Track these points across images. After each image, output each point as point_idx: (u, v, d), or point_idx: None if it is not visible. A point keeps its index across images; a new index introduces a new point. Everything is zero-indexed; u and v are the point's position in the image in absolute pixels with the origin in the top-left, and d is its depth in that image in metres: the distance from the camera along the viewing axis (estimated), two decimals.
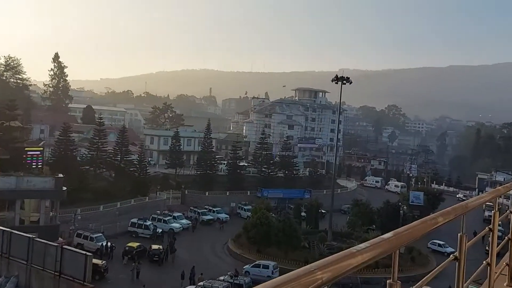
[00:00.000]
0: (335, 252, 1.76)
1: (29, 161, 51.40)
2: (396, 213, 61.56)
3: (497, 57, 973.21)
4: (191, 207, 67.50)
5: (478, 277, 3.55)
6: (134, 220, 56.17)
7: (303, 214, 63.31)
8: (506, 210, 5.26)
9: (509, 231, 4.52)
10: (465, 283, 3.01)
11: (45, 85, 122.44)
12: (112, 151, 69.97)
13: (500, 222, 4.17)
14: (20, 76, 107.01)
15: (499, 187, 4.68)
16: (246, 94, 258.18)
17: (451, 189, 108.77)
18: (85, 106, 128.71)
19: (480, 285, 3.81)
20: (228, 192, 75.17)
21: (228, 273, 41.45)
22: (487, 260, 3.60)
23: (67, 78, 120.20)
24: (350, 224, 59.73)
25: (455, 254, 2.92)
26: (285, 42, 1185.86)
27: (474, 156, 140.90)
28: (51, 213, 47.87)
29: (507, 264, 4.55)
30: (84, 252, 26.96)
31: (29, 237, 27.17)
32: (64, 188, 48.31)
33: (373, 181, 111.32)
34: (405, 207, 65.54)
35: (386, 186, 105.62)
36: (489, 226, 3.80)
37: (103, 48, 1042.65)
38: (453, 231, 2.88)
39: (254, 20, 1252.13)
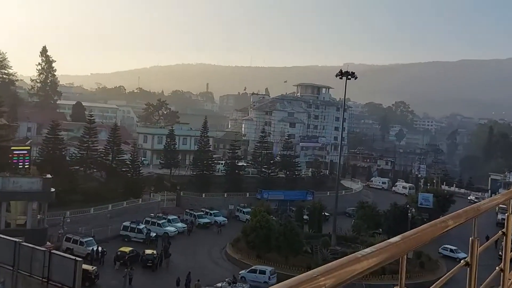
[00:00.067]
0: (339, 257, 1.76)
1: (16, 161, 51.27)
2: (404, 216, 61.54)
3: (511, 50, 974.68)
4: (186, 210, 67.52)
5: (490, 284, 3.54)
6: (127, 223, 56.13)
7: (305, 217, 63.20)
8: None
9: None
10: None
11: (32, 80, 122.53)
12: (103, 150, 69.95)
13: None
14: (5, 71, 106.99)
15: None
16: (245, 90, 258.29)
17: (462, 190, 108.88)
18: (74, 102, 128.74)
19: None
20: (226, 194, 75.21)
21: (226, 279, 41.50)
22: (500, 265, 3.60)
23: (55, 73, 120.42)
24: (355, 227, 59.78)
25: (466, 259, 2.92)
26: (287, 35, 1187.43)
27: (487, 155, 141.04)
28: (38, 216, 47.80)
29: None
30: (73, 257, 26.98)
31: (15, 241, 27.18)
32: (53, 190, 48.25)
33: (379, 182, 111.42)
34: (413, 210, 65.48)
35: (393, 188, 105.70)
36: (503, 230, 3.79)
37: (94, 41, 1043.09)
38: (465, 235, 2.88)
39: (253, 12, 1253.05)
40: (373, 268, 1.72)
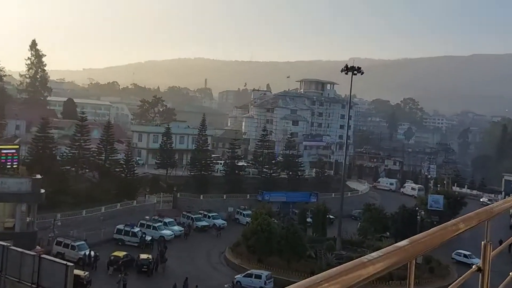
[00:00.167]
0: (344, 262, 1.76)
1: (3, 161, 51.34)
2: (413, 219, 61.61)
3: None
4: (184, 212, 67.55)
5: None
6: (121, 226, 56.20)
7: (308, 220, 63.44)
8: None
9: None
10: None
11: (21, 75, 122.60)
12: (96, 149, 70.03)
13: None
14: None
15: None
16: (245, 86, 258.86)
17: (474, 192, 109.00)
18: (65, 99, 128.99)
19: None
20: (225, 195, 75.24)
21: (225, 285, 41.57)
22: None
23: (45, 68, 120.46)
24: (361, 231, 59.85)
25: (478, 264, 2.92)
26: (289, 28, 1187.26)
27: (500, 155, 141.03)
28: (27, 218, 47.86)
29: None
30: (64, 262, 27.02)
31: (3, 245, 27.22)
32: (43, 191, 48.30)
33: (387, 183, 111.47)
34: (422, 212, 65.59)
35: (402, 189, 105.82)
36: None
37: (86, 35, 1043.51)
38: (479, 240, 2.88)
39: (254, 5, 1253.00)
40: (380, 273, 1.72)
